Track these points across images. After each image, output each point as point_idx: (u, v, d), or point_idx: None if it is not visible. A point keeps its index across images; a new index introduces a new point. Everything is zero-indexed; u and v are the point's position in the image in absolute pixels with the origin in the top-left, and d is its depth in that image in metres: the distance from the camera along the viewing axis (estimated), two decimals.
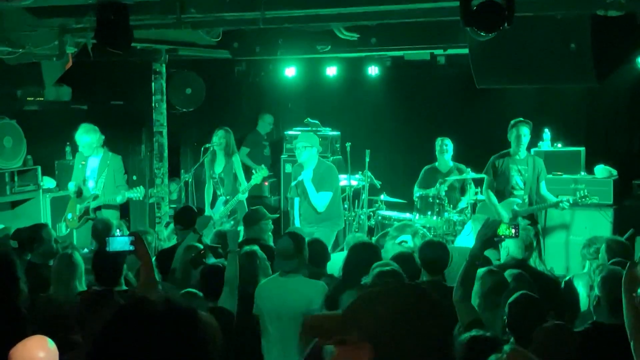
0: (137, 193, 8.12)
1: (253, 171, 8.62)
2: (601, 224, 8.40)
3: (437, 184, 8.46)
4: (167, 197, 9.26)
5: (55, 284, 5.09)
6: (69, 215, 8.36)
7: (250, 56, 9.76)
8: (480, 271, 4.45)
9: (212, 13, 6.66)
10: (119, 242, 4.03)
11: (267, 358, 5.00)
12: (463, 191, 8.86)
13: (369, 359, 1.57)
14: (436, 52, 9.59)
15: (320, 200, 7.81)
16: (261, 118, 11.25)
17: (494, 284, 4.56)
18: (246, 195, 8.48)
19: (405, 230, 6.42)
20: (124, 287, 4.73)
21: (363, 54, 9.89)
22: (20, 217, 8.40)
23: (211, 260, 5.52)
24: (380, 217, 9.09)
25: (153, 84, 9.05)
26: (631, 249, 5.56)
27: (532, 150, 9.21)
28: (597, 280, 4.18)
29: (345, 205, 9.16)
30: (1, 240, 6.37)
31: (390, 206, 9.34)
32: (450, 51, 9.06)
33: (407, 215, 8.87)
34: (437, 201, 8.35)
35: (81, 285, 5.06)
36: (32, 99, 9.17)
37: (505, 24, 5.08)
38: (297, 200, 8.28)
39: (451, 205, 8.46)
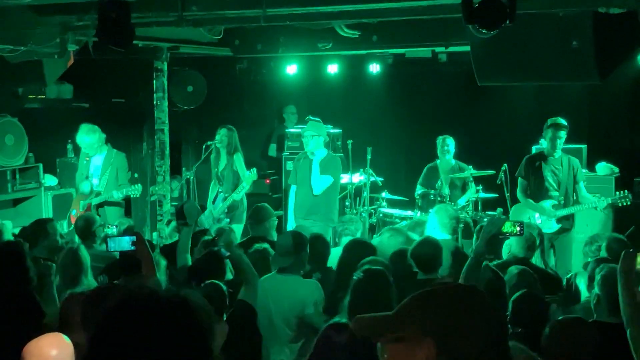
0: (134, 191, 8.17)
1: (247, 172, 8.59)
2: (603, 222, 8.38)
3: (438, 183, 8.47)
4: (168, 194, 9.27)
5: (61, 279, 5.11)
6: (73, 212, 8.44)
7: (251, 54, 9.76)
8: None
9: (214, 11, 6.66)
10: (121, 242, 4.03)
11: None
12: (464, 189, 8.85)
13: (432, 355, 1.57)
14: (438, 49, 9.57)
15: (320, 182, 7.81)
16: (284, 112, 11.25)
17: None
18: (241, 195, 8.48)
19: (416, 230, 6.37)
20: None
21: (364, 52, 9.89)
22: (21, 215, 8.42)
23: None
24: (381, 215, 9.09)
25: (154, 81, 9.05)
26: (631, 246, 5.54)
27: (534, 147, 9.21)
28: (597, 279, 4.18)
29: (347, 203, 9.16)
30: None
31: (391, 204, 9.34)
32: (452, 49, 9.04)
33: (409, 212, 8.87)
34: (439, 199, 8.35)
35: (87, 280, 5.07)
36: (33, 96, 9.18)
37: (507, 21, 5.08)
38: (293, 189, 8.27)
39: (452, 203, 8.46)
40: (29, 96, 9.15)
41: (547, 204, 7.66)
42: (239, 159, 8.64)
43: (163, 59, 8.97)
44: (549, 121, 7.77)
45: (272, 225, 6.80)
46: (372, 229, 9.02)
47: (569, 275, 5.75)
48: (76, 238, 6.74)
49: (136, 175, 10.15)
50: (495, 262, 5.49)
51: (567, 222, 7.71)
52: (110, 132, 8.73)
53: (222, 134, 8.60)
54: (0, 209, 8.48)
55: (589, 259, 5.79)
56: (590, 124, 10.12)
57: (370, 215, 9.04)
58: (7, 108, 8.79)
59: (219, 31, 8.10)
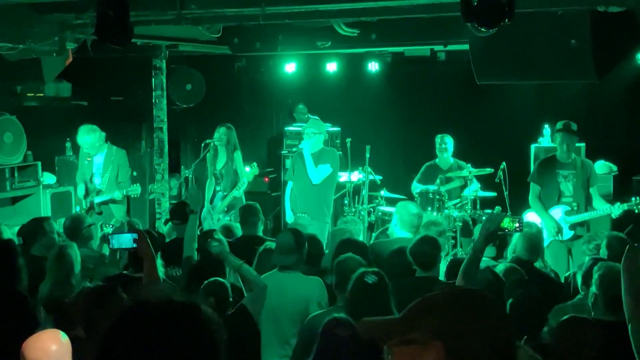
0: (133, 191, 8.23)
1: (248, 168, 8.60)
2: (601, 220, 8.37)
3: (437, 181, 8.47)
4: (167, 193, 9.27)
5: (48, 277, 5.13)
6: (77, 209, 8.46)
7: (250, 52, 9.76)
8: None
9: (212, 9, 6.66)
10: (122, 239, 4.03)
11: (264, 353, 5.01)
12: (463, 188, 8.86)
13: (440, 358, 1.57)
14: (436, 48, 9.59)
15: (318, 172, 7.80)
16: (295, 111, 11.25)
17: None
18: (242, 191, 8.48)
19: (430, 229, 6.37)
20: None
21: (363, 50, 9.90)
22: (20, 213, 8.41)
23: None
24: (380, 213, 9.09)
25: (153, 79, 9.05)
26: (632, 243, 5.55)
27: (533, 146, 9.22)
28: (594, 278, 4.19)
29: (346, 202, 9.16)
30: None
31: (390, 202, 9.35)
32: (451, 47, 9.05)
33: None
34: (437, 197, 8.36)
35: (73, 278, 5.08)
36: (32, 94, 9.18)
37: (506, 20, 5.08)
38: (289, 185, 8.27)
39: (451, 202, 8.47)
40: (28, 94, 9.14)
41: (560, 209, 7.39)
42: (238, 157, 8.64)
43: (162, 57, 8.97)
44: (558, 125, 7.49)
45: (260, 225, 6.83)
46: (371, 228, 9.03)
47: (567, 274, 5.76)
48: None
49: (135, 173, 10.16)
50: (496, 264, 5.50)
51: (581, 229, 7.38)
52: (109, 130, 8.74)
53: (221, 133, 8.59)
54: None
55: (587, 258, 5.80)
56: (589, 122, 10.11)
57: (369, 213, 9.04)
58: (6, 106, 8.79)
59: (218, 29, 8.10)
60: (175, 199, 9.85)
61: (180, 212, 6.74)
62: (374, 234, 8.50)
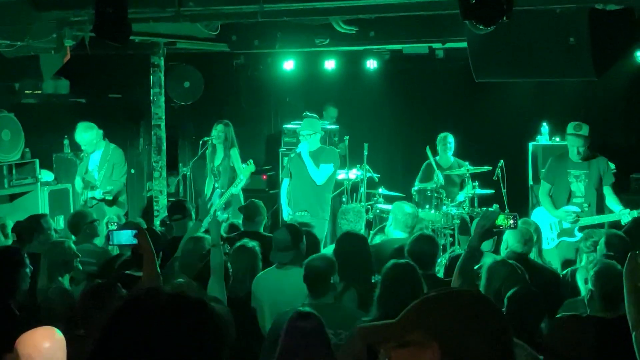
0: (109, 195, 8.22)
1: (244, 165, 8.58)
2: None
3: (435, 177, 8.47)
4: (165, 190, 9.27)
5: (42, 273, 5.14)
6: (79, 201, 8.60)
7: (248, 49, 9.76)
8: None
9: (211, 6, 6.66)
10: (122, 235, 4.03)
11: None
12: (462, 186, 8.87)
13: (436, 359, 1.57)
14: (435, 45, 9.58)
15: (321, 172, 7.78)
16: (325, 110, 11.12)
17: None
18: (239, 188, 8.48)
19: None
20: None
21: (361, 48, 9.89)
22: (18, 210, 8.40)
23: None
24: (378, 211, 9.09)
25: (151, 77, 9.04)
26: (630, 242, 5.56)
27: (531, 144, 9.22)
28: (590, 275, 4.19)
29: (344, 199, 9.16)
30: None
31: (388, 200, 9.35)
32: (449, 45, 9.06)
33: None
34: (435, 195, 8.36)
35: (58, 276, 5.08)
36: (30, 92, 9.17)
37: (504, 18, 5.08)
38: (285, 182, 8.26)
39: (449, 199, 8.47)
40: (26, 91, 9.13)
41: (569, 209, 7.20)
42: (235, 154, 8.64)
43: (160, 54, 8.96)
44: (568, 128, 7.27)
45: (263, 222, 6.82)
46: (369, 225, 9.03)
47: (565, 271, 5.77)
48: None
49: (132, 170, 10.16)
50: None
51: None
52: (107, 127, 8.74)
53: (218, 130, 8.59)
54: None
55: (584, 255, 5.81)
56: (587, 120, 10.06)
57: (367, 211, 9.04)
58: (4, 103, 8.78)
59: (216, 27, 8.09)
60: (173, 196, 9.85)
61: (180, 207, 6.76)
62: (371, 232, 8.50)
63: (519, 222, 4.63)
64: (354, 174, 9.27)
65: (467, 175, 8.64)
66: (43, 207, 8.76)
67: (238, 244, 5.46)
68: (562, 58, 6.82)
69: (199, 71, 10.17)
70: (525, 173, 9.25)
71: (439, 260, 6.37)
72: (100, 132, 8.47)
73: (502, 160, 8.42)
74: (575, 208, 7.18)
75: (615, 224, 6.85)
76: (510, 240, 5.64)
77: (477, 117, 10.37)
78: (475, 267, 4.20)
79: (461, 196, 8.68)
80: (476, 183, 8.57)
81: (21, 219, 6.55)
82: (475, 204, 8.54)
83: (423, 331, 1.59)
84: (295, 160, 8.00)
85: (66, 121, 8.83)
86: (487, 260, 4.71)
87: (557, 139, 9.22)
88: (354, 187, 9.33)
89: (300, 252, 5.15)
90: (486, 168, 8.61)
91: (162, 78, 9.07)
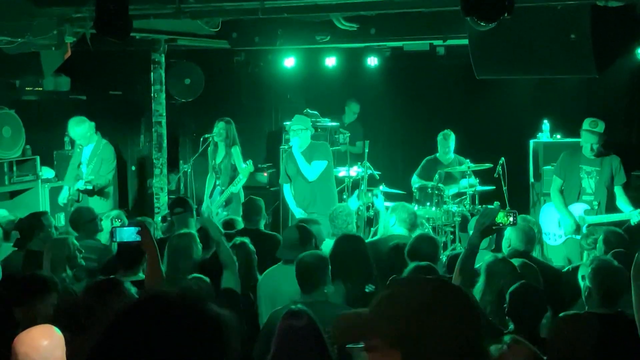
0: (88, 185, 8.22)
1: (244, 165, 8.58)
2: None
3: (436, 176, 8.46)
4: (165, 187, 9.27)
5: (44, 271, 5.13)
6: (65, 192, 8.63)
7: (249, 46, 9.74)
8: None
9: (212, 3, 6.66)
10: (126, 232, 4.02)
11: None
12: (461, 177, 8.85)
13: None
14: (436, 42, 9.57)
15: (312, 169, 7.78)
16: (347, 105, 11.03)
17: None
18: (239, 187, 8.48)
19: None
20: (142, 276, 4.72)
21: (362, 45, 9.87)
22: (19, 207, 8.41)
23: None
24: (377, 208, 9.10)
25: (152, 74, 9.04)
26: (628, 240, 5.56)
27: (532, 141, 9.21)
28: (588, 272, 4.19)
29: (344, 197, 9.16)
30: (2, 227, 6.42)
31: (389, 197, 9.35)
32: (450, 42, 9.03)
33: None
34: (436, 192, 8.36)
35: (62, 272, 5.08)
36: (30, 88, 9.18)
37: (506, 14, 5.07)
38: (286, 187, 8.26)
39: (450, 197, 8.47)
40: (26, 88, 9.14)
41: (579, 207, 7.14)
42: (236, 151, 8.63)
43: (160, 51, 8.95)
44: (584, 124, 7.16)
45: (263, 221, 6.82)
46: (370, 222, 9.03)
47: (566, 269, 5.77)
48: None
49: (133, 168, 10.16)
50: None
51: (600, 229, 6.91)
52: (108, 124, 8.76)
53: (220, 127, 8.58)
54: None
55: (585, 252, 5.81)
56: (588, 117, 10.12)
57: (367, 208, 9.05)
58: (5, 100, 8.78)
59: (217, 23, 8.08)
60: (174, 193, 9.85)
61: (181, 201, 6.76)
62: (372, 229, 8.50)
63: (519, 219, 4.64)
64: (354, 171, 9.27)
65: (469, 172, 8.63)
66: (44, 204, 8.77)
67: (229, 243, 5.47)
68: (563, 55, 6.81)
69: (199, 68, 10.16)
70: (526, 170, 9.24)
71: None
72: (93, 124, 8.47)
73: (502, 158, 8.42)
74: (586, 206, 7.11)
75: (624, 224, 6.80)
76: (513, 239, 5.64)
77: (478, 114, 10.35)
78: (476, 266, 4.20)
79: (454, 189, 8.62)
80: (477, 181, 8.56)
81: (21, 216, 6.55)
82: (477, 201, 8.54)
83: (384, 338, 1.59)
84: (289, 160, 8.00)
85: (67, 118, 8.81)
86: (486, 257, 4.70)
87: (558, 136, 9.22)
88: (355, 185, 9.33)
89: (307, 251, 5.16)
90: (487, 165, 8.61)
91: (163, 75, 9.07)
